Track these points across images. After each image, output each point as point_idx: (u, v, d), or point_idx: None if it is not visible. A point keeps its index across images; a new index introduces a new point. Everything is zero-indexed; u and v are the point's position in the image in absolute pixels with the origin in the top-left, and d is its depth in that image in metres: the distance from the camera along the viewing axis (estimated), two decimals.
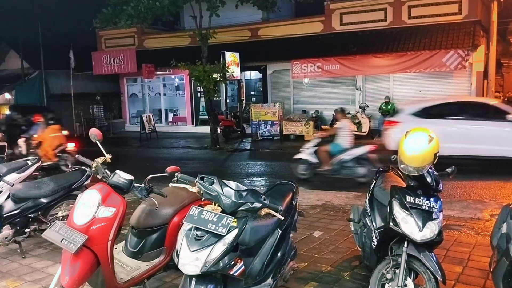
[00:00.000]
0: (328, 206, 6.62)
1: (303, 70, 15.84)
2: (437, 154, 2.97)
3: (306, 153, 8.68)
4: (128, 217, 3.55)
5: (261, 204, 2.56)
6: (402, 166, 3.05)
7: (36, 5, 20.36)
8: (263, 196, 2.62)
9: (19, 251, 4.72)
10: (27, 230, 4.69)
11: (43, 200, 4.68)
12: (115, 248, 3.41)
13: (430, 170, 3.04)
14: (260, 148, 14.58)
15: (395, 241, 3.14)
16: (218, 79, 14.71)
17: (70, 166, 8.82)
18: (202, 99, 17.75)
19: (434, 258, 3.01)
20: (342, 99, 16.86)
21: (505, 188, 7.74)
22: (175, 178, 2.87)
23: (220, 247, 2.42)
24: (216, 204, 2.56)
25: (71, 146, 9.85)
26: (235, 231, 2.47)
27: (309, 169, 8.65)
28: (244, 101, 18.23)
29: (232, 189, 2.56)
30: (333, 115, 12.79)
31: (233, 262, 2.47)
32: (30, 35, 19.22)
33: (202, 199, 2.69)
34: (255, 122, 16.19)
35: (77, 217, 2.97)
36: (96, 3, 15.13)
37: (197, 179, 2.63)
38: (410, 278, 3.07)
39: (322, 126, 14.70)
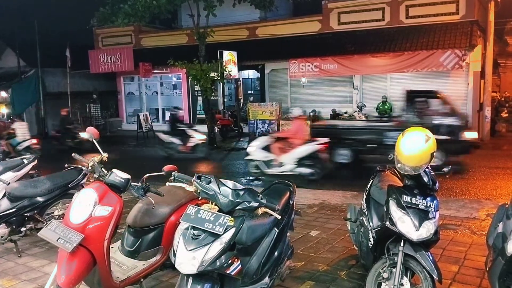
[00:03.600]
0: (325, 205, 6.63)
1: (301, 70, 15.83)
2: (434, 153, 2.98)
3: (2, 144, 11.14)
4: (124, 216, 3.54)
5: (258, 203, 2.55)
6: (399, 165, 3.05)
7: (33, 3, 20.27)
8: (260, 195, 2.62)
9: (15, 250, 4.70)
10: (23, 229, 4.67)
11: (39, 199, 4.66)
12: (112, 247, 3.40)
13: (426, 169, 3.05)
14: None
15: (392, 241, 3.15)
16: (215, 78, 14.68)
17: None
18: (200, 98, 17.70)
19: (431, 257, 3.01)
20: (339, 99, 16.89)
21: (501, 187, 7.77)
22: (172, 177, 2.86)
23: (217, 246, 2.41)
24: (213, 203, 2.55)
25: None
26: (232, 230, 2.47)
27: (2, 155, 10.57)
28: (241, 100, 18.22)
29: (229, 188, 2.56)
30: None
31: (230, 261, 2.47)
32: (27, 33, 19.12)
33: (199, 198, 2.69)
34: (253, 121, 16.18)
35: (74, 216, 2.96)
36: (93, 1, 15.07)
37: (194, 178, 2.62)
38: (407, 277, 3.08)
39: None
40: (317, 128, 10.72)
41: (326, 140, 8.68)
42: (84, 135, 13.19)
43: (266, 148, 8.76)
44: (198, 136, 11.75)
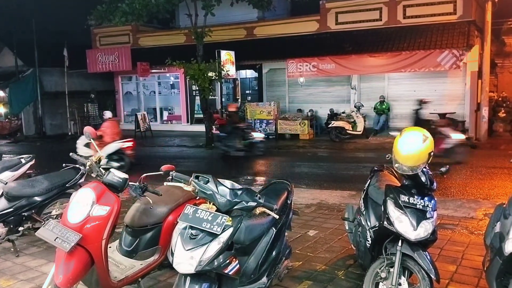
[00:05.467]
0: (323, 205, 6.63)
1: (299, 69, 15.83)
2: (432, 153, 2.98)
3: None
4: (122, 216, 3.54)
5: (256, 203, 2.55)
6: (396, 165, 3.06)
7: (31, 2, 20.21)
8: (258, 195, 2.62)
9: (12, 249, 4.69)
10: (20, 228, 4.66)
11: (37, 198, 4.65)
12: (110, 247, 3.40)
13: (424, 169, 3.05)
14: (255, 147, 14.53)
15: (390, 240, 3.15)
16: (213, 78, 14.67)
17: None
18: (197, 98, 17.69)
19: (428, 257, 3.02)
20: (337, 98, 16.91)
21: (498, 187, 7.78)
22: (170, 177, 2.86)
23: (215, 246, 2.41)
24: (211, 203, 2.55)
25: None
26: (230, 230, 2.47)
27: None
28: (239, 100, 18.21)
29: (227, 188, 2.56)
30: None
31: (227, 261, 2.47)
32: (25, 33, 19.07)
33: (197, 197, 2.69)
34: (251, 121, 16.19)
35: (71, 215, 2.95)
36: (91, 0, 15.03)
37: (192, 177, 2.62)
38: (404, 277, 3.08)
39: None
40: None
41: (130, 139, 10.40)
42: (257, 135, 12.09)
43: (87, 145, 9.97)
44: (456, 136, 9.79)
